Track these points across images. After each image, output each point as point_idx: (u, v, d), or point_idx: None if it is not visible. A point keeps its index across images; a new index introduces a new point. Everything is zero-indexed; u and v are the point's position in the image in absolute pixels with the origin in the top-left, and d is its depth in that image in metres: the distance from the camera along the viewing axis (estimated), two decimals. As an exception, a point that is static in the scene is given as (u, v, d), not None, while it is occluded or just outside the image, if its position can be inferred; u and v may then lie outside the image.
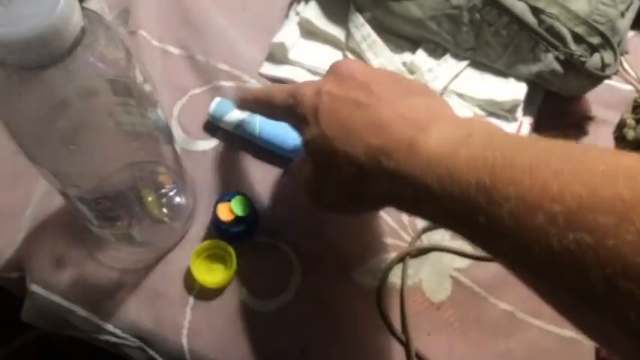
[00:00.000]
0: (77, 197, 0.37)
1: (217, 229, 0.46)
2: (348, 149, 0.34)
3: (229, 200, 0.45)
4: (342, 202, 0.38)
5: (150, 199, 0.44)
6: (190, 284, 0.45)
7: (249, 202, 0.45)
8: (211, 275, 0.45)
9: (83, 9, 0.29)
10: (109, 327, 0.44)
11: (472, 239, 0.30)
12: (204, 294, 0.45)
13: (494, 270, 0.47)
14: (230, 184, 0.49)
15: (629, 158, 0.25)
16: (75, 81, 0.30)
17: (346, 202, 0.37)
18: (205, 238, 0.47)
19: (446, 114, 0.34)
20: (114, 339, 0.45)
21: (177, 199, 0.46)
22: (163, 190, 0.45)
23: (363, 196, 0.35)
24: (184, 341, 0.44)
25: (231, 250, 0.45)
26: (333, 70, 0.37)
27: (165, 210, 0.45)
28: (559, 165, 0.26)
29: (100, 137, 0.34)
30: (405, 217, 0.48)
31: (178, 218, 0.47)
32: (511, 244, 0.27)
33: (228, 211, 0.45)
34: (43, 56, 0.27)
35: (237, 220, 0.45)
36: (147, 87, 0.35)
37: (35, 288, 0.45)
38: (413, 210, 0.33)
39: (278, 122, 0.50)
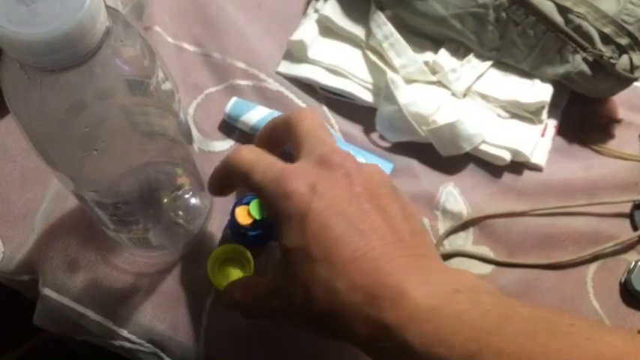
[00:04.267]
0: (95, 202, 0.36)
1: (235, 232, 0.45)
2: (330, 280, 0.30)
3: (247, 203, 0.44)
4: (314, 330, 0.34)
5: (166, 200, 0.43)
6: (207, 289, 0.44)
7: None
8: (228, 280, 0.44)
9: (110, 9, 0.28)
10: (124, 332, 0.43)
11: None
12: (220, 300, 0.44)
13: (518, 276, 0.46)
14: (246, 185, 0.48)
15: (617, 338, 0.26)
16: (97, 82, 0.29)
17: (318, 333, 0.34)
18: (222, 242, 0.46)
19: (435, 256, 0.33)
20: (129, 344, 0.43)
21: (194, 201, 0.45)
22: (180, 192, 0.43)
23: (337, 334, 0.32)
24: (200, 347, 0.43)
25: (249, 254, 0.44)
26: (326, 164, 0.33)
27: (181, 212, 0.44)
28: (545, 338, 0.26)
29: (116, 138, 0.33)
30: (426, 221, 0.47)
31: (194, 221, 0.45)
32: None
33: (247, 214, 0.44)
34: (67, 58, 0.25)
35: (256, 223, 0.44)
36: (167, 85, 0.33)
37: (47, 292, 0.44)
38: None
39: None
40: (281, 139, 0.38)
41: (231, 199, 0.47)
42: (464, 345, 0.26)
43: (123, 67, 0.29)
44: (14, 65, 0.26)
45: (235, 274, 0.44)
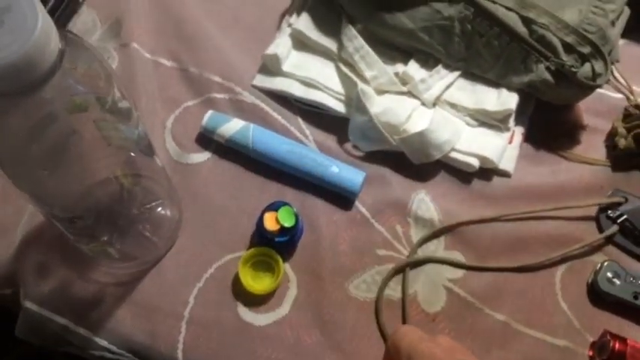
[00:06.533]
0: (50, 214, 0.37)
1: (262, 237, 0.46)
2: None
3: (276, 210, 0.46)
4: None
5: (135, 212, 0.44)
6: (184, 298, 0.45)
7: (295, 213, 0.46)
8: (258, 282, 0.46)
9: (64, 32, 0.29)
10: (104, 343, 0.44)
11: None
12: (199, 308, 0.45)
13: (488, 280, 0.47)
14: (223, 196, 0.49)
15: None
16: (54, 103, 0.30)
17: None
18: (250, 246, 0.47)
19: None
20: (109, 355, 0.44)
21: (162, 213, 0.46)
22: (147, 205, 0.44)
23: None
24: (180, 356, 0.44)
25: (278, 257, 0.46)
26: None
27: (148, 225, 0.45)
28: None
29: (78, 154, 0.34)
30: (399, 228, 0.49)
31: (163, 232, 0.46)
32: None
33: (275, 220, 0.46)
34: (18, 85, 0.27)
35: (283, 230, 0.45)
36: (125, 104, 0.35)
37: (29, 304, 0.45)
38: None
39: (271, 133, 0.50)
40: None
41: (207, 208, 0.48)
42: None
43: (78, 88, 0.30)
44: None
45: (264, 276, 0.46)
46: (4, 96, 0.28)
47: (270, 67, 0.53)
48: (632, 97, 0.54)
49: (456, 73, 0.52)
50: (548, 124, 0.53)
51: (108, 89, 0.32)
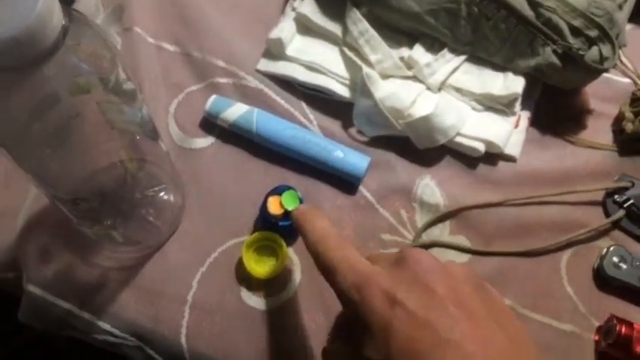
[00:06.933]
0: (53, 195, 0.37)
1: (266, 222, 0.46)
2: None
3: (280, 194, 0.45)
4: None
5: (137, 197, 0.43)
6: (188, 282, 0.45)
7: (299, 197, 0.45)
8: (261, 266, 0.45)
9: (67, 9, 0.28)
10: (107, 326, 0.44)
11: None
12: (202, 293, 0.45)
13: (494, 265, 0.47)
14: (226, 180, 0.49)
15: None
16: (57, 82, 0.29)
17: None
18: (254, 231, 0.47)
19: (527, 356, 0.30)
20: (112, 339, 0.44)
21: (165, 198, 0.46)
22: (151, 189, 0.44)
23: None
24: (183, 340, 0.43)
25: (282, 242, 0.45)
26: (406, 267, 0.31)
27: (152, 210, 0.45)
28: None
29: (81, 136, 0.34)
30: (404, 213, 0.48)
31: (166, 216, 0.46)
32: None
33: (279, 204, 0.45)
34: (20, 59, 0.26)
35: (287, 214, 0.45)
36: (129, 85, 0.34)
37: (32, 288, 0.44)
38: None
39: (275, 118, 0.50)
40: None
41: (210, 193, 0.48)
42: None
43: (82, 66, 0.30)
44: None
45: (268, 260, 0.46)
46: (7, 71, 0.27)
47: (274, 51, 0.53)
48: (639, 82, 0.54)
49: (462, 57, 0.51)
50: (554, 109, 0.53)
51: (111, 68, 0.32)
